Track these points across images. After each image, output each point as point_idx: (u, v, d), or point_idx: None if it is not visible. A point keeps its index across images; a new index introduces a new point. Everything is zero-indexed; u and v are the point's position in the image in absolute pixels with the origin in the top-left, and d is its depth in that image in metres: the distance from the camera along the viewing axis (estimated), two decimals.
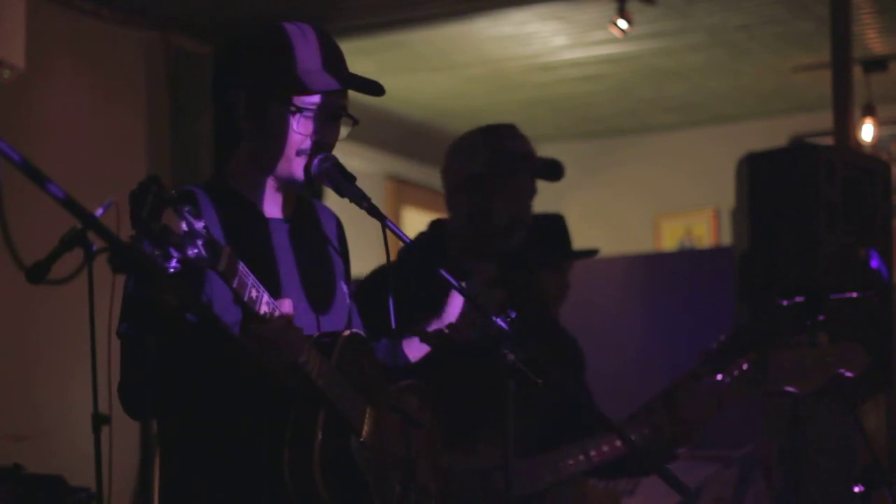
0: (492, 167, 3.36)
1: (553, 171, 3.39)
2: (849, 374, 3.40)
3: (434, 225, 3.53)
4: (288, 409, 2.40)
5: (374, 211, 2.50)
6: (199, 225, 2.12)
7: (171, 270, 2.06)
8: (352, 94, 2.64)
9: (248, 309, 2.28)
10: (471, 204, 3.38)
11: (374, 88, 2.59)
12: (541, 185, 3.54)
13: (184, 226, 2.09)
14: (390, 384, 2.67)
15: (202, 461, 2.49)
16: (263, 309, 2.29)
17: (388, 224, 2.50)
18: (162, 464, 2.53)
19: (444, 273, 2.52)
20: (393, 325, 2.61)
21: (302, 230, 2.67)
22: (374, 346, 2.69)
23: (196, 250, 2.11)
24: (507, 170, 3.35)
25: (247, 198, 2.60)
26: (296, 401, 2.40)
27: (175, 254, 2.06)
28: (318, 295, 2.63)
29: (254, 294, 2.28)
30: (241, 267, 2.24)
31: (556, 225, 4.12)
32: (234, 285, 2.23)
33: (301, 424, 2.40)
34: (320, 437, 2.39)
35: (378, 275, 3.38)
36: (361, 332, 2.59)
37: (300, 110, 2.53)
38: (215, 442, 2.47)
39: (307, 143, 2.55)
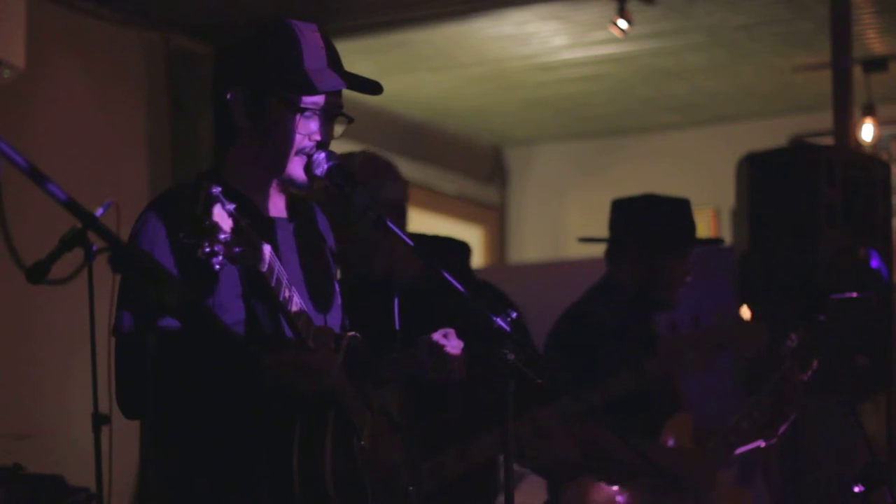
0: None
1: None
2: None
3: None
4: (296, 409, 2.40)
5: (380, 222, 2.50)
6: (245, 223, 2.16)
7: (217, 267, 2.09)
8: (352, 94, 2.63)
9: (297, 335, 2.30)
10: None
11: (373, 87, 2.59)
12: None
13: (230, 223, 2.11)
14: (377, 387, 2.67)
15: (205, 459, 2.48)
16: (293, 309, 2.32)
17: (394, 231, 2.50)
18: (162, 462, 2.52)
19: (448, 276, 2.52)
20: (397, 326, 2.64)
21: (303, 229, 2.67)
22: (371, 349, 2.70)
23: (240, 248, 2.14)
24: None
25: (247, 197, 2.59)
26: (305, 401, 2.40)
27: (221, 251, 2.09)
28: (320, 294, 2.64)
29: (287, 294, 2.31)
30: (278, 266, 2.27)
31: (682, 210, 4.16)
32: (273, 284, 2.26)
33: (311, 425, 2.40)
34: (331, 439, 2.39)
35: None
36: (359, 335, 2.59)
37: (304, 109, 2.53)
38: (219, 440, 2.47)
39: (306, 143, 2.54)
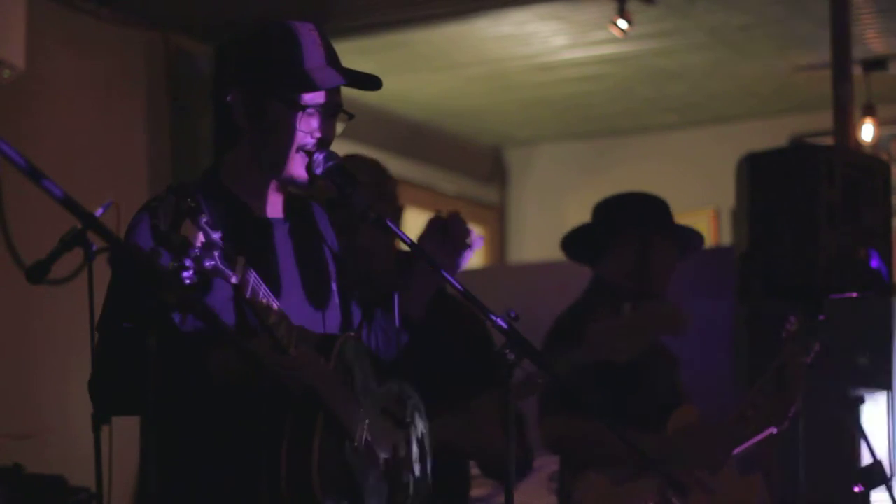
0: None
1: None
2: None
3: None
4: (285, 412, 2.40)
5: (380, 222, 2.49)
6: (217, 236, 2.16)
7: (187, 281, 2.09)
8: (352, 93, 2.64)
9: (272, 338, 2.30)
10: None
11: (372, 82, 2.59)
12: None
13: (201, 237, 2.12)
14: (381, 386, 2.67)
15: (197, 462, 2.48)
16: (272, 319, 2.32)
17: (394, 231, 2.49)
18: (160, 462, 2.52)
19: (448, 277, 2.52)
20: (397, 323, 2.64)
21: (300, 229, 2.67)
22: (370, 347, 2.70)
23: (213, 262, 2.15)
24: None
25: (242, 199, 2.58)
26: (293, 404, 2.40)
27: (191, 265, 2.09)
28: (317, 294, 2.64)
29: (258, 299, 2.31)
30: (253, 277, 2.27)
31: (660, 201, 4.18)
32: (248, 296, 2.26)
33: (299, 428, 2.39)
34: (318, 441, 2.39)
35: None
36: (357, 334, 2.59)
37: (305, 107, 2.53)
38: (211, 444, 2.46)
39: (308, 140, 2.54)
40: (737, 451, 3.91)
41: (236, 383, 2.39)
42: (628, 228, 4.10)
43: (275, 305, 2.33)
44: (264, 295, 2.30)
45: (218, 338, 2.38)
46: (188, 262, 2.09)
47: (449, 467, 3.47)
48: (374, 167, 3.75)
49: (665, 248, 4.12)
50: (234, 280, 2.22)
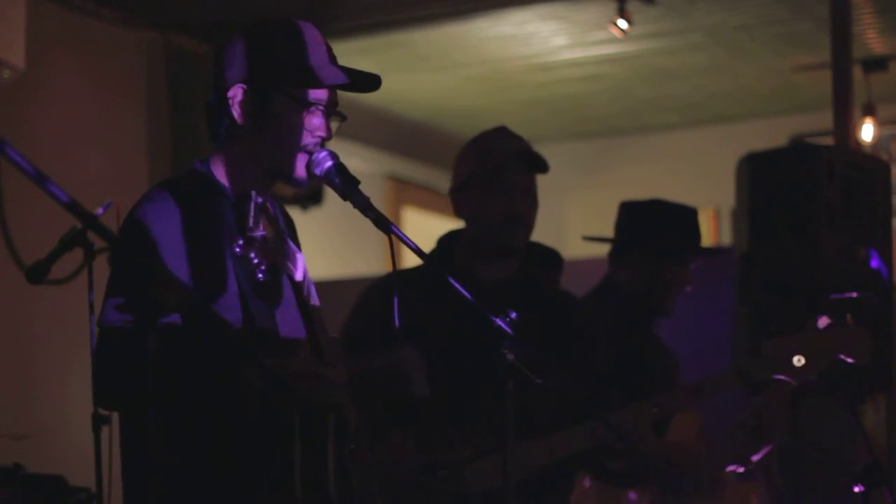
0: (478, 169, 3.42)
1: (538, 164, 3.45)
2: (850, 360, 3.49)
3: (445, 237, 3.55)
4: (294, 411, 2.39)
5: (380, 222, 2.48)
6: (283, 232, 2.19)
7: (260, 276, 2.11)
8: (353, 93, 2.64)
9: (317, 348, 2.32)
10: (466, 209, 3.44)
11: (373, 81, 2.59)
12: (540, 185, 3.54)
13: (273, 234, 2.15)
14: None
15: (203, 460, 2.47)
16: (314, 318, 2.34)
17: (394, 231, 2.49)
18: (160, 462, 2.51)
19: (452, 280, 2.51)
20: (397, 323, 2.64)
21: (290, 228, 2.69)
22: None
23: (284, 258, 2.17)
24: (493, 170, 3.41)
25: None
26: (303, 403, 2.39)
27: (268, 261, 2.10)
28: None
29: (316, 304, 2.34)
30: (308, 277, 2.28)
31: (689, 218, 4.15)
32: (304, 294, 2.27)
33: (312, 428, 2.39)
34: (332, 439, 2.39)
35: (385, 282, 3.41)
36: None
37: (311, 105, 2.53)
38: (217, 441, 2.45)
39: (310, 139, 2.54)
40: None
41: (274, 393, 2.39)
42: (649, 248, 4.09)
43: (317, 303, 2.36)
44: (314, 295, 2.32)
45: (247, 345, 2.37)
46: (266, 258, 2.11)
47: (561, 470, 3.44)
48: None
49: (681, 273, 4.11)
50: (300, 277, 2.23)
